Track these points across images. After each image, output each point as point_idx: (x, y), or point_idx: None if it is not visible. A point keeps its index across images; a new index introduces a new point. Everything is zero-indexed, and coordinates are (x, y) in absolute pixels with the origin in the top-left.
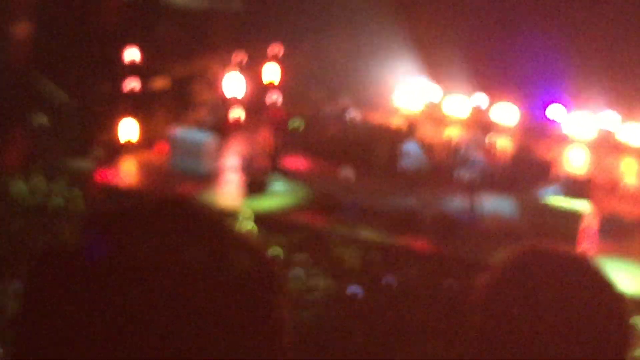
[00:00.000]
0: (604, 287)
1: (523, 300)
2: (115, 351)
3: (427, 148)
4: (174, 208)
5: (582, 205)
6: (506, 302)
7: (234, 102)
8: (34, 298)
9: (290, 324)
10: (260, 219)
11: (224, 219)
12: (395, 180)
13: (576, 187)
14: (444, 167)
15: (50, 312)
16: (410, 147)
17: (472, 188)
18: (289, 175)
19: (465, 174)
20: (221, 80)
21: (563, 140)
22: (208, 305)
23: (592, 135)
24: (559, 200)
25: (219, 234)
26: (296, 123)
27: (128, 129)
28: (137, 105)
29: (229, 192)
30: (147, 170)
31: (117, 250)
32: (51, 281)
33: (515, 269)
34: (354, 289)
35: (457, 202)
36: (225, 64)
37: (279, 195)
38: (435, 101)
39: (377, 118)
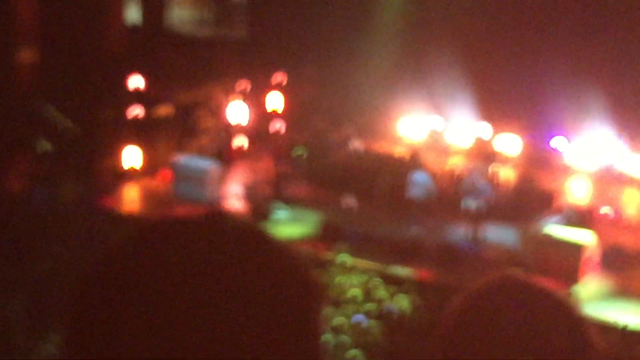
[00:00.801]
0: (577, 326)
1: (489, 330)
2: None
3: (433, 177)
4: (218, 221)
5: (584, 236)
6: (471, 331)
7: (238, 130)
8: (85, 309)
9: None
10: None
11: (268, 235)
12: (398, 209)
13: (578, 218)
14: (448, 196)
15: (100, 321)
16: (418, 177)
17: (477, 217)
18: (291, 203)
19: (472, 204)
20: (225, 108)
21: (566, 171)
22: (254, 321)
23: (594, 166)
24: (561, 231)
25: (263, 248)
26: (299, 151)
27: (131, 156)
28: (140, 132)
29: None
30: (150, 197)
31: (161, 261)
32: (101, 292)
33: (485, 297)
34: (358, 317)
35: (460, 232)
36: (229, 92)
37: (282, 223)
38: (439, 131)
39: (380, 147)
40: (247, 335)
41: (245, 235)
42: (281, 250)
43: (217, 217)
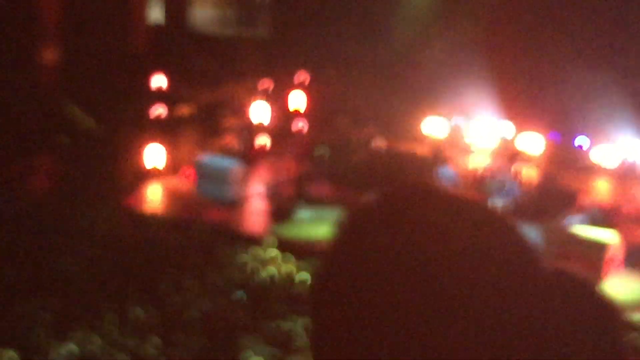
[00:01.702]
0: (510, 234)
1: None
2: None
3: (458, 174)
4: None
5: (608, 235)
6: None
7: (260, 129)
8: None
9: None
10: (286, 245)
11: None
12: None
13: (602, 217)
14: (472, 194)
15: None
16: (446, 172)
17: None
18: (314, 202)
19: (499, 202)
20: (247, 108)
21: (589, 169)
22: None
23: (617, 165)
24: (584, 230)
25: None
26: (321, 151)
27: (154, 155)
28: (163, 131)
29: (254, 218)
30: (173, 195)
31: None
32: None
33: (381, 204)
34: None
35: None
36: (252, 92)
37: (305, 222)
38: (461, 130)
39: (402, 146)
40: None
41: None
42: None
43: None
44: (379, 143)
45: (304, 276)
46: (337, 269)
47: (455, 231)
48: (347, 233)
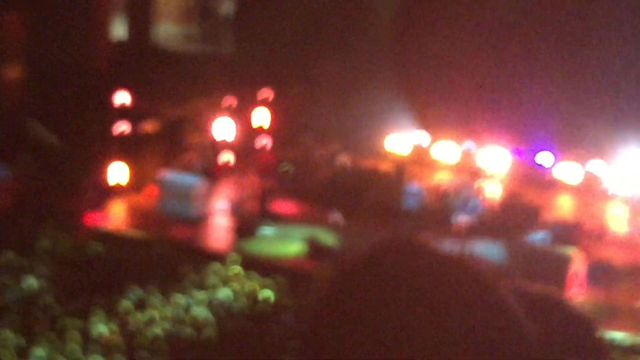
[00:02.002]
0: (487, 290)
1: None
2: None
3: (425, 191)
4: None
5: (570, 251)
6: (351, 293)
7: (224, 145)
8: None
9: None
10: (249, 262)
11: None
12: (385, 224)
13: (564, 233)
14: (434, 211)
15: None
16: (412, 189)
17: (467, 233)
18: (278, 219)
19: (463, 218)
20: (211, 124)
21: (552, 186)
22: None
23: (580, 181)
24: (547, 246)
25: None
26: (285, 167)
27: (118, 172)
28: (127, 148)
29: (218, 235)
30: (136, 212)
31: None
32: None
33: (369, 258)
34: None
35: (447, 246)
36: (215, 108)
37: (268, 239)
38: (425, 146)
39: (366, 162)
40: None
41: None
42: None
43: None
44: (343, 160)
45: (267, 293)
46: (329, 314)
47: (438, 290)
48: (339, 284)
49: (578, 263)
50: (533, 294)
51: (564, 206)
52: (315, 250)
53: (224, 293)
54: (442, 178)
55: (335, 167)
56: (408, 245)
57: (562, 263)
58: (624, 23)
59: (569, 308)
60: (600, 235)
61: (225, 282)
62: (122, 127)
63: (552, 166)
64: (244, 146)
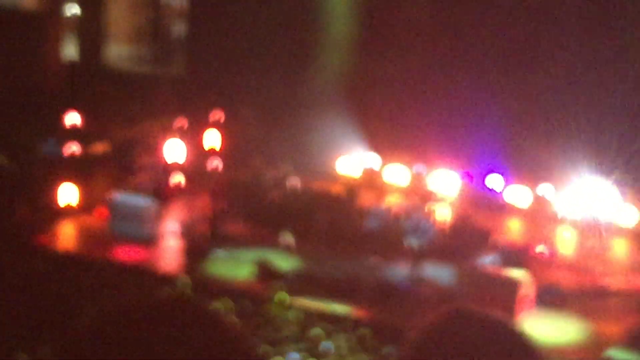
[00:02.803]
0: (527, 349)
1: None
2: None
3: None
4: (178, 308)
5: (519, 274)
6: None
7: (175, 167)
8: None
9: None
10: (200, 284)
11: (219, 318)
12: (336, 247)
13: (514, 256)
14: (386, 233)
15: None
16: (378, 211)
17: (418, 256)
18: (229, 241)
19: (415, 242)
20: (162, 146)
21: (502, 209)
22: None
23: (530, 205)
24: (496, 269)
25: (213, 332)
26: (237, 189)
27: (68, 193)
28: (77, 169)
29: (169, 257)
30: (86, 234)
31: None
32: None
33: (439, 330)
34: (292, 356)
35: (399, 270)
36: (167, 130)
37: (219, 261)
38: (376, 169)
39: (317, 185)
40: None
41: (201, 323)
42: (231, 335)
43: (178, 305)
44: (294, 182)
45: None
46: None
47: (492, 353)
48: (415, 347)
49: (527, 286)
50: (481, 317)
51: (513, 229)
52: (266, 272)
53: None
54: (393, 201)
55: (286, 189)
56: (464, 315)
57: (512, 286)
58: (573, 47)
59: (516, 333)
60: (548, 258)
61: None
62: (73, 147)
63: (502, 190)
64: (195, 168)
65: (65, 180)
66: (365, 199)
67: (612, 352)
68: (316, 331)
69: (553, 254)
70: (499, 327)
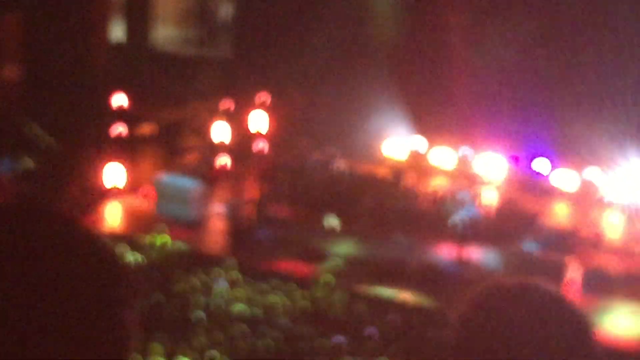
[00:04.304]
0: (568, 313)
1: (493, 333)
2: None
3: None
4: (24, 211)
5: (565, 258)
6: (477, 338)
7: (221, 149)
8: None
9: (137, 326)
10: (246, 267)
11: (73, 224)
12: (381, 230)
13: (560, 240)
14: (431, 217)
15: None
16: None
17: (462, 238)
18: (275, 223)
19: (459, 224)
20: (208, 127)
21: (548, 193)
22: (55, 302)
23: (576, 188)
24: (542, 253)
25: (66, 236)
26: (283, 171)
27: (114, 174)
28: (123, 150)
29: (215, 239)
30: (133, 215)
31: None
32: None
33: (482, 305)
34: (338, 339)
35: (444, 253)
36: (213, 111)
37: (266, 244)
38: (422, 152)
39: (363, 168)
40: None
41: (56, 225)
42: (91, 239)
43: (27, 209)
44: (340, 164)
45: (273, 299)
46: (462, 345)
47: (540, 326)
48: (468, 320)
49: (573, 271)
50: (520, 286)
51: (560, 214)
52: (311, 254)
53: (222, 298)
54: (439, 184)
55: (332, 172)
56: (525, 285)
57: (558, 270)
58: (620, 29)
59: (558, 298)
60: (596, 243)
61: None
62: (119, 129)
63: (549, 173)
64: (241, 150)
65: (112, 161)
66: (412, 182)
67: None
68: (361, 314)
69: (600, 238)
70: (557, 303)
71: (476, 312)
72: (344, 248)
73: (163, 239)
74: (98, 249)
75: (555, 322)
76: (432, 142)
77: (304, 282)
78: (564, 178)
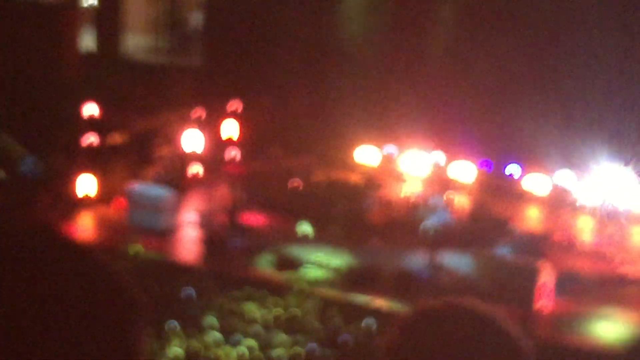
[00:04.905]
0: (499, 333)
1: (422, 358)
2: None
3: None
4: (38, 236)
5: (538, 262)
6: (411, 351)
7: (193, 157)
8: None
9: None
10: (218, 275)
11: (86, 248)
12: (353, 237)
13: (533, 244)
14: (403, 223)
15: None
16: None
17: (434, 243)
18: (247, 231)
19: (431, 230)
20: (180, 136)
21: (520, 197)
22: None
23: (548, 192)
24: (515, 257)
25: (79, 261)
26: (255, 179)
27: (86, 184)
28: (95, 160)
29: (187, 248)
30: (105, 225)
31: None
32: None
33: (410, 329)
34: (311, 346)
35: (417, 259)
36: (184, 120)
37: (239, 252)
38: (394, 158)
39: (336, 175)
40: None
41: (66, 249)
42: (99, 263)
43: (42, 231)
44: (313, 172)
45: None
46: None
47: (476, 343)
48: (400, 334)
49: (546, 274)
50: (442, 307)
51: (532, 218)
52: (284, 262)
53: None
54: (412, 190)
55: (305, 179)
56: (452, 307)
57: (530, 275)
58: (592, 34)
59: (503, 331)
60: (568, 246)
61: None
62: (91, 138)
63: (520, 178)
64: (213, 158)
65: (83, 171)
66: (385, 188)
67: None
68: (335, 321)
69: (572, 241)
70: (486, 323)
71: (404, 337)
72: (317, 255)
73: (136, 248)
74: (110, 277)
75: (485, 344)
76: (403, 149)
77: (277, 290)
78: (535, 182)
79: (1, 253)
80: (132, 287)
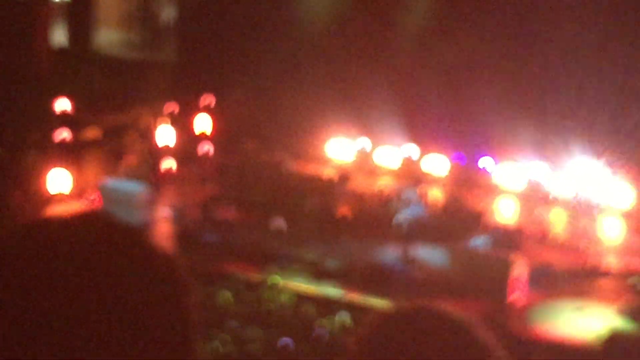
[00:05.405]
0: (467, 337)
1: (394, 355)
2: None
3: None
4: (88, 220)
5: (511, 255)
6: (378, 354)
7: (166, 152)
8: None
9: (198, 326)
10: (192, 269)
11: (135, 231)
12: (326, 231)
13: (506, 237)
14: (376, 217)
15: None
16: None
17: (408, 236)
18: (221, 225)
19: (404, 223)
20: (153, 131)
21: (493, 190)
22: (119, 306)
23: (521, 186)
24: (488, 250)
25: (130, 244)
26: (229, 174)
27: (59, 180)
28: (68, 155)
29: (160, 243)
30: None
31: (40, 257)
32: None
33: (376, 333)
34: (285, 340)
35: (390, 252)
36: (157, 115)
37: (212, 246)
38: (367, 152)
39: (309, 168)
40: (110, 330)
41: (116, 234)
42: (150, 249)
43: (90, 216)
44: (286, 166)
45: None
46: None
47: (447, 349)
48: (369, 337)
49: (519, 267)
50: (407, 311)
51: (505, 210)
52: (258, 256)
53: None
54: (385, 183)
55: (277, 173)
56: (423, 311)
57: (504, 267)
58: (565, 26)
59: (474, 337)
60: (541, 239)
61: None
62: (64, 134)
63: (493, 171)
64: (186, 153)
65: (56, 167)
66: (358, 182)
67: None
68: (309, 315)
69: (545, 234)
70: (459, 330)
71: (373, 339)
72: (291, 249)
73: None
74: (163, 259)
75: (456, 351)
76: (376, 142)
77: (251, 284)
78: (508, 175)
79: (55, 237)
80: (183, 269)
